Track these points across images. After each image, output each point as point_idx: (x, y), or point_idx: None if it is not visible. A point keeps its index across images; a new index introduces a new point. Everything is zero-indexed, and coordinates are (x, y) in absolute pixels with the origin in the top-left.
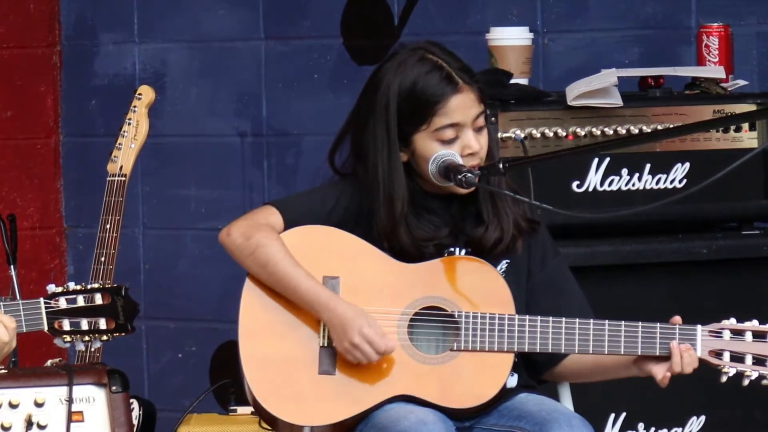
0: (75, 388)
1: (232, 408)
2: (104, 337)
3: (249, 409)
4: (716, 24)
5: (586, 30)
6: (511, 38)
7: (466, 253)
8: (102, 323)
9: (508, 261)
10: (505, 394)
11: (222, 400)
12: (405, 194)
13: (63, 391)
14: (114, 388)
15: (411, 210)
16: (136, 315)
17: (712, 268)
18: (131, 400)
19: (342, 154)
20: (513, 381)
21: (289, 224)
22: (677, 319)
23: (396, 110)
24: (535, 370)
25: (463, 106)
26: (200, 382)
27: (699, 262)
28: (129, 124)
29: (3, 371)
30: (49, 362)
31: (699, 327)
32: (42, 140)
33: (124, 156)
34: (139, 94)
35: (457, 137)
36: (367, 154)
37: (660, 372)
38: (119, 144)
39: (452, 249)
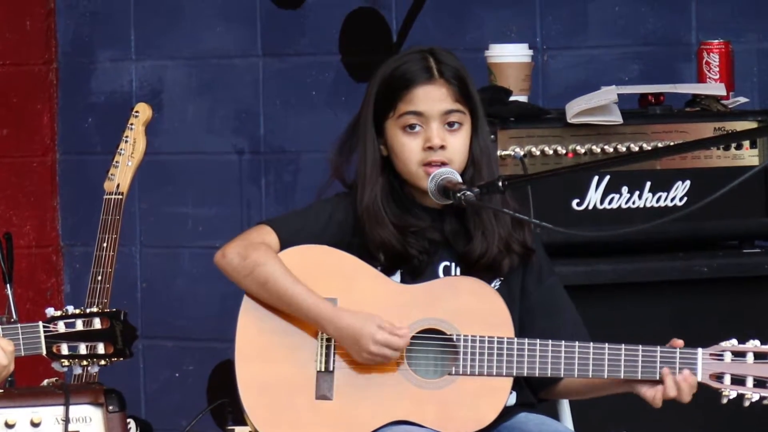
0: (71, 407)
1: (229, 428)
2: (102, 362)
3: (247, 429)
4: (717, 41)
5: (586, 47)
6: (510, 55)
7: (461, 271)
8: (100, 348)
9: (501, 279)
10: (504, 413)
11: (219, 420)
12: (379, 183)
13: (59, 410)
14: (111, 407)
15: (398, 216)
16: (135, 340)
17: (713, 287)
18: (128, 420)
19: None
20: (512, 399)
21: (284, 242)
22: (679, 342)
23: (375, 95)
24: (531, 390)
25: (430, 97)
26: (198, 402)
27: (699, 281)
28: (126, 141)
29: None
30: (45, 382)
31: (700, 350)
32: (38, 158)
33: (121, 174)
34: (136, 112)
35: (422, 129)
36: (356, 145)
37: (651, 394)
38: (116, 162)
39: (448, 264)
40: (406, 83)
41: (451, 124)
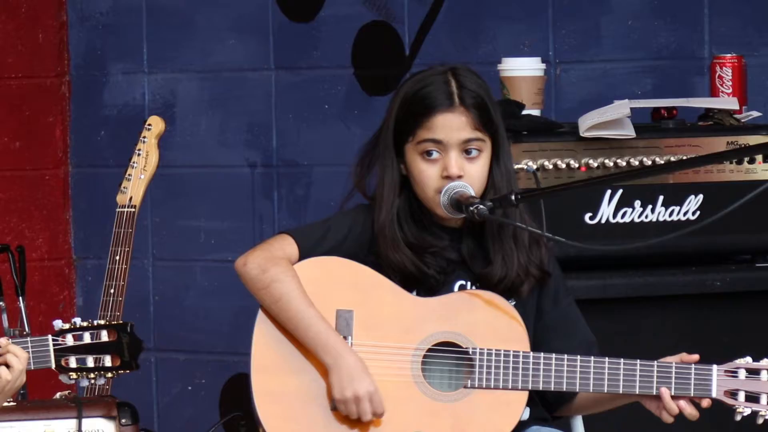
0: (84, 420)
1: None
2: (109, 375)
3: None
4: (729, 55)
5: (599, 61)
6: (523, 69)
7: (477, 288)
8: (107, 360)
9: (516, 298)
10: (518, 427)
11: None
12: (396, 205)
13: (72, 423)
14: (123, 420)
15: (417, 236)
16: (141, 352)
17: (726, 301)
18: None
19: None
20: (526, 414)
21: (304, 253)
22: (694, 357)
23: (396, 115)
24: (547, 407)
25: (449, 125)
26: (210, 415)
27: (712, 295)
28: (138, 154)
29: (12, 404)
30: (58, 395)
31: (714, 367)
32: (51, 171)
33: (134, 187)
34: (149, 125)
35: (441, 156)
36: (376, 160)
37: (656, 410)
38: (129, 175)
39: (464, 283)
40: (426, 109)
41: (469, 152)
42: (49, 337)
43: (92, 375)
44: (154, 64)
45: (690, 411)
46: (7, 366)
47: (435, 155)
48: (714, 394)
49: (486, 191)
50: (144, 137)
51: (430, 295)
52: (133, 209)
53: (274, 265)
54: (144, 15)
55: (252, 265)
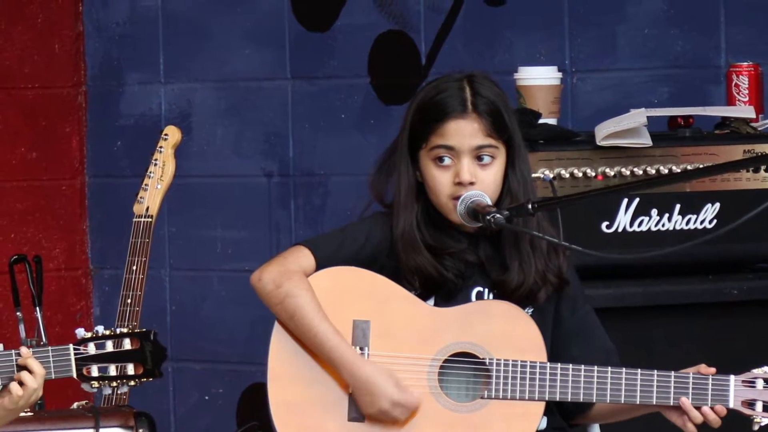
0: (101, 430)
1: None
2: (132, 383)
3: None
4: (746, 63)
5: (615, 69)
6: (539, 78)
7: (494, 296)
8: (130, 368)
9: (533, 305)
10: None
11: None
12: (414, 210)
13: None
14: (141, 430)
15: (436, 238)
16: (164, 360)
17: (743, 309)
18: None
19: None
20: (543, 423)
21: (321, 264)
22: (711, 369)
23: (411, 122)
24: (564, 416)
25: (461, 132)
26: (227, 425)
27: (729, 303)
28: (155, 164)
29: (29, 414)
30: (75, 405)
31: (732, 377)
32: (67, 181)
33: (151, 197)
34: (165, 135)
35: (453, 163)
36: (393, 169)
37: (680, 421)
38: (145, 185)
39: (481, 289)
40: (439, 115)
41: (481, 158)
42: (71, 346)
43: (114, 383)
44: (170, 73)
45: (713, 417)
46: (21, 383)
47: (447, 161)
48: (731, 404)
49: (502, 198)
50: (160, 147)
51: (447, 301)
52: (149, 219)
53: (288, 280)
54: (160, 25)
55: (266, 280)
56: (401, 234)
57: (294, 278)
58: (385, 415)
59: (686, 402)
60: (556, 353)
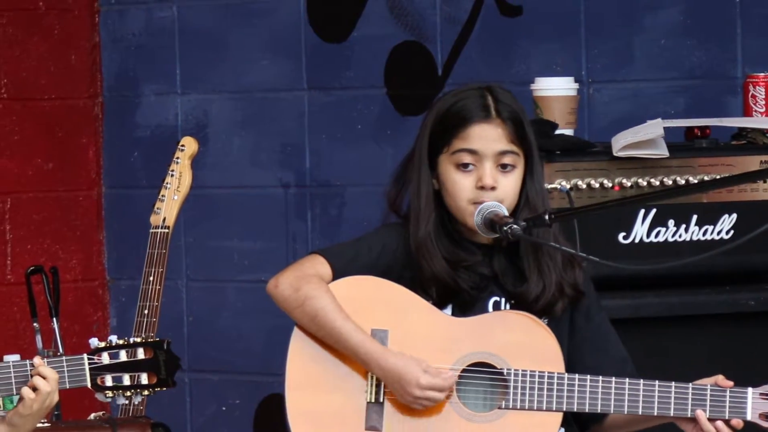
0: None
1: None
2: (146, 392)
3: None
4: (763, 74)
5: (632, 80)
6: (556, 88)
7: (511, 307)
8: (144, 378)
9: (549, 317)
10: None
11: None
12: (432, 218)
13: None
14: None
15: (450, 251)
16: (177, 369)
17: (760, 320)
18: None
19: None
20: None
21: (337, 273)
22: (729, 382)
23: (430, 129)
24: (580, 425)
25: (485, 136)
26: None
27: (746, 314)
28: (172, 175)
29: (46, 425)
30: (92, 415)
31: (750, 390)
32: (84, 192)
33: (167, 208)
34: (182, 146)
35: (475, 168)
36: (410, 178)
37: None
38: (162, 196)
39: (498, 299)
40: (463, 120)
41: (504, 166)
42: (84, 356)
43: (129, 393)
44: (186, 84)
45: (726, 431)
46: (35, 389)
47: (470, 167)
48: (749, 417)
49: (520, 208)
50: (177, 158)
51: (464, 311)
52: (166, 230)
53: (306, 283)
54: (176, 36)
55: (284, 285)
56: (420, 239)
57: (312, 281)
58: (419, 402)
59: (701, 415)
60: (571, 362)
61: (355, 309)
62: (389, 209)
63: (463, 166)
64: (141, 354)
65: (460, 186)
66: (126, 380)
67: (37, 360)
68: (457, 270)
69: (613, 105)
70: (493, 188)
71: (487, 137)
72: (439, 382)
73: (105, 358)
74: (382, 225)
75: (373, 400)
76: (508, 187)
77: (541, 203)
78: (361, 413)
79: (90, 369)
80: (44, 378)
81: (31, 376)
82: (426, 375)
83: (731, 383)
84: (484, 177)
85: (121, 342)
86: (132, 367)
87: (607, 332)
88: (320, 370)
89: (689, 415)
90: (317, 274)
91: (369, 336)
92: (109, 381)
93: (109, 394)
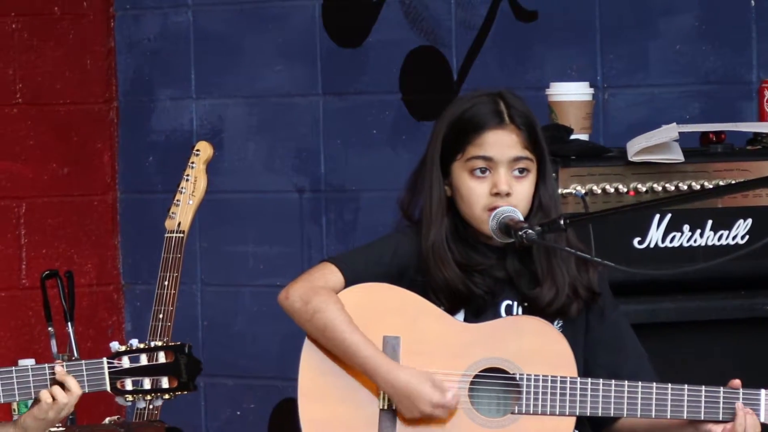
0: None
1: None
2: (166, 396)
3: None
4: None
5: (647, 85)
6: (571, 93)
7: (523, 311)
8: (164, 382)
9: (564, 319)
10: None
11: None
12: (444, 224)
13: None
14: None
15: (464, 255)
16: (199, 373)
17: None
18: None
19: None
20: None
21: (349, 281)
22: (737, 382)
23: (443, 136)
24: (593, 426)
25: (500, 142)
26: None
27: (762, 319)
28: (187, 180)
29: (61, 429)
30: (107, 420)
31: (763, 391)
32: (99, 197)
33: (182, 212)
34: (197, 150)
35: (490, 174)
36: (422, 184)
37: None
38: (177, 200)
39: (510, 303)
40: (477, 127)
41: (518, 171)
42: (104, 360)
43: (149, 397)
44: (202, 89)
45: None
46: (54, 398)
47: (485, 173)
48: (763, 419)
49: (533, 213)
50: (192, 163)
51: (477, 315)
52: (181, 234)
53: (316, 295)
54: (192, 41)
55: (294, 297)
56: (431, 246)
57: (321, 293)
58: (427, 416)
59: (740, 406)
60: (587, 362)
61: (366, 316)
62: (402, 216)
63: (477, 173)
64: (162, 358)
65: (475, 193)
66: (146, 384)
67: (59, 369)
68: (470, 274)
69: (628, 110)
70: (508, 194)
71: (502, 143)
72: (450, 400)
73: (125, 362)
74: (393, 230)
75: (385, 408)
76: (522, 192)
77: (553, 208)
78: (374, 421)
79: (110, 373)
80: (67, 390)
81: (54, 382)
82: (437, 392)
83: (738, 382)
84: (500, 183)
85: (142, 346)
86: (153, 371)
87: (622, 331)
88: (332, 379)
89: (702, 418)
90: (327, 286)
91: (378, 350)
92: (129, 385)
93: (129, 397)
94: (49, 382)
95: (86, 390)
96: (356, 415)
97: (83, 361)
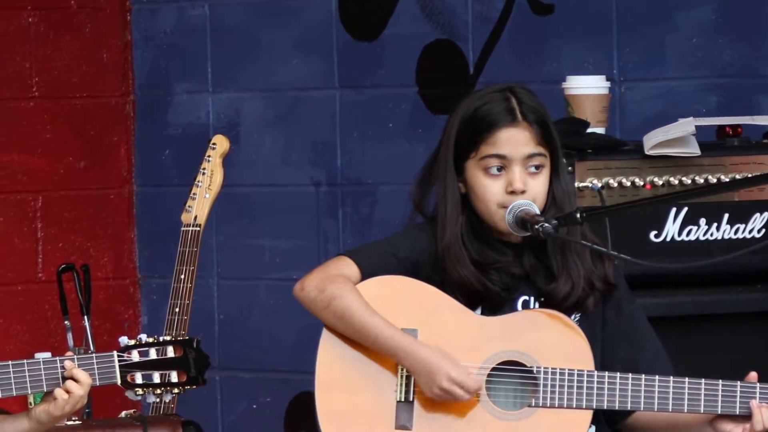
0: None
1: None
2: (175, 390)
3: None
4: None
5: (663, 79)
6: (587, 87)
7: (540, 306)
8: (173, 376)
9: (581, 312)
10: None
11: None
12: (459, 222)
13: None
14: None
15: (481, 253)
16: (208, 367)
17: None
18: None
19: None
20: (591, 431)
21: (365, 274)
22: (754, 375)
23: (456, 134)
24: (608, 420)
25: (513, 140)
26: None
27: None
28: (203, 173)
29: (77, 422)
30: (123, 413)
31: None
32: (115, 190)
33: (199, 206)
34: (213, 144)
35: (504, 172)
36: (435, 181)
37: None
38: (193, 194)
39: (527, 298)
40: (489, 125)
41: (533, 168)
42: (114, 353)
43: (158, 391)
44: (218, 83)
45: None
46: (68, 391)
47: (499, 171)
48: None
49: (547, 208)
50: (209, 156)
51: (494, 311)
52: (197, 228)
53: (331, 283)
54: (208, 34)
55: (309, 287)
56: (447, 246)
57: (337, 280)
58: (447, 394)
59: (755, 404)
60: (604, 356)
61: (383, 309)
62: (415, 210)
63: (492, 171)
64: (171, 352)
65: (490, 191)
66: (156, 378)
67: (68, 363)
68: (486, 272)
69: (644, 103)
70: (523, 192)
71: (516, 141)
72: (469, 381)
73: (135, 356)
74: (410, 224)
75: (403, 399)
76: (537, 188)
77: (568, 201)
78: (391, 412)
79: (120, 366)
80: (77, 381)
81: (65, 378)
82: (457, 369)
83: (755, 375)
84: (514, 181)
85: (150, 340)
86: (162, 365)
87: (639, 323)
88: (350, 371)
89: (719, 412)
90: (342, 275)
91: (398, 330)
92: (138, 379)
93: (139, 391)
94: (61, 380)
95: (97, 383)
96: (374, 405)
97: (94, 355)
